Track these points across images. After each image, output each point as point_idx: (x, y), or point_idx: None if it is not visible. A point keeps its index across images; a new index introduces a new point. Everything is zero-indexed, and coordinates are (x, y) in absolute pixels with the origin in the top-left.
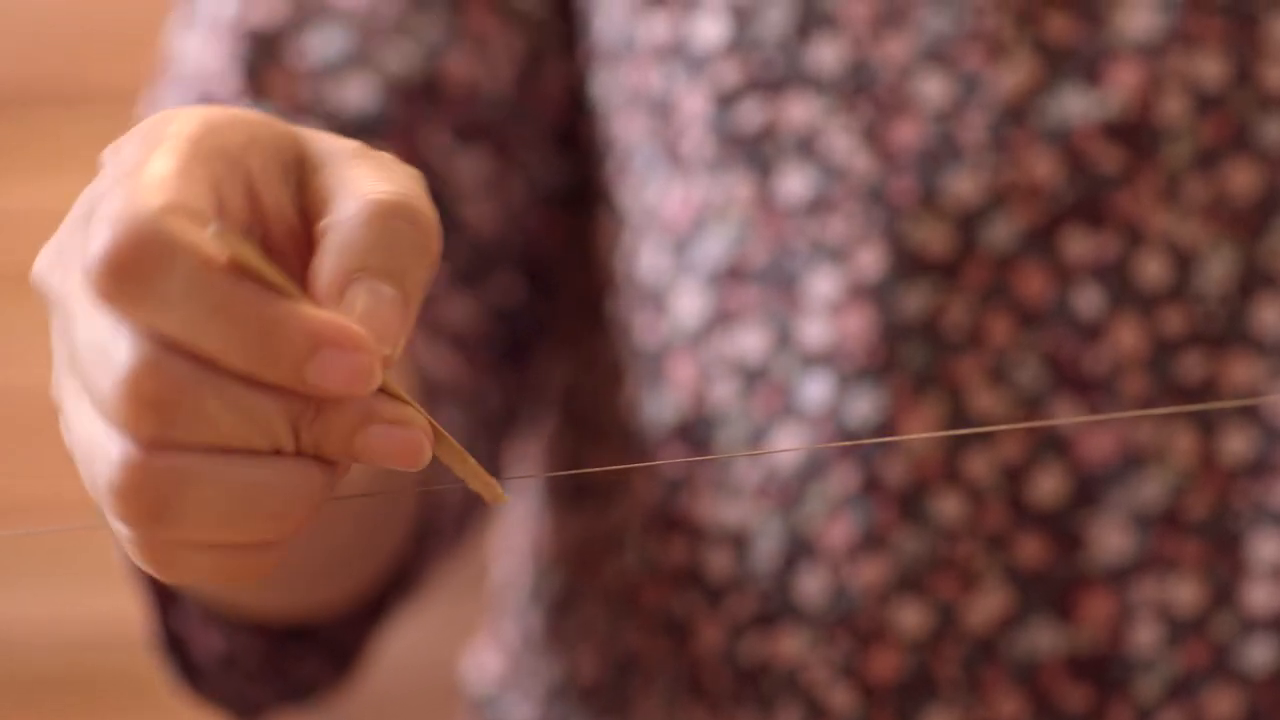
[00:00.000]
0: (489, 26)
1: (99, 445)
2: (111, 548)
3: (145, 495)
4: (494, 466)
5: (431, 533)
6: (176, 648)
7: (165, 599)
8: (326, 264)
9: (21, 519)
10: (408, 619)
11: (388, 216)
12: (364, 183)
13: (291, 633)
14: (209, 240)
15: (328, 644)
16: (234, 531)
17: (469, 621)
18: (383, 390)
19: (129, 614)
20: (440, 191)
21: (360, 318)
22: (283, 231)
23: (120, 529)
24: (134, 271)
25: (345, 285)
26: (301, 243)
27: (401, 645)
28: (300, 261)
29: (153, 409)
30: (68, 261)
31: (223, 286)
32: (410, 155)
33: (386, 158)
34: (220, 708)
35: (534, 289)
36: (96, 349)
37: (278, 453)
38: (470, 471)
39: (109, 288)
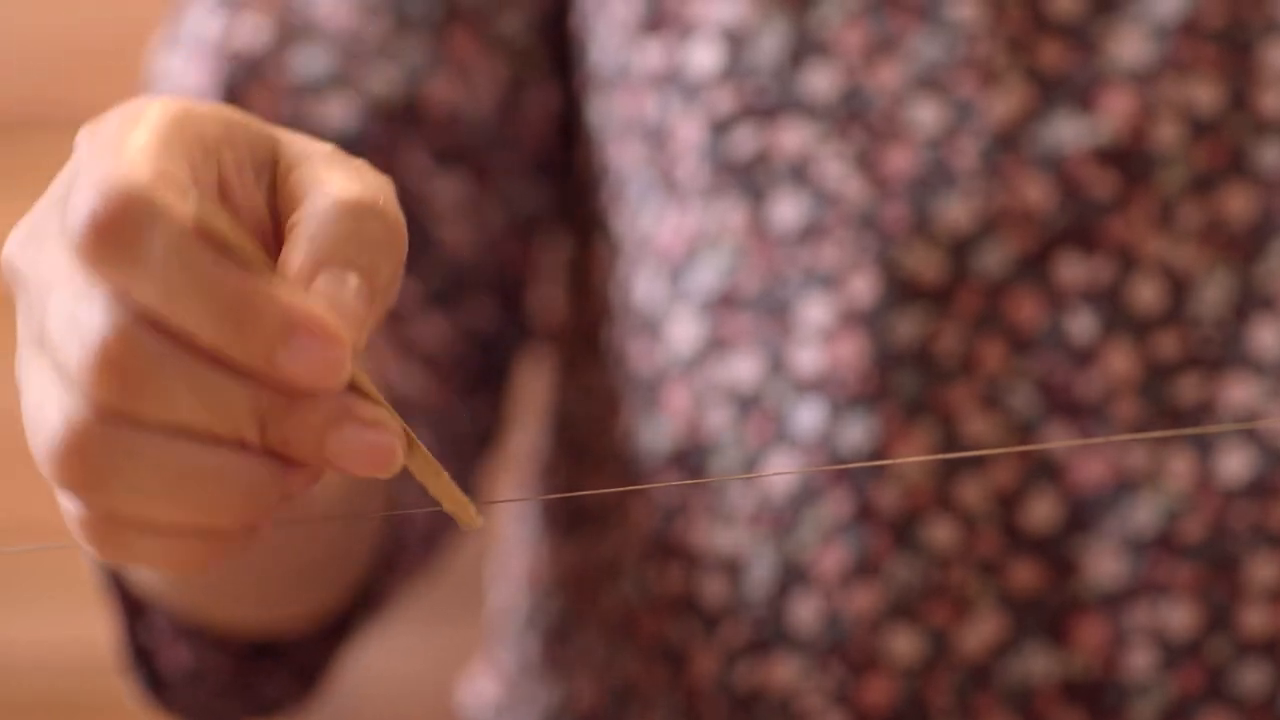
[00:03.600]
0: (472, 52)
1: (51, 407)
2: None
3: (86, 459)
4: (464, 490)
5: (399, 550)
6: (144, 661)
7: (134, 611)
8: (295, 254)
9: (20, 541)
10: (404, 646)
11: (357, 213)
12: (335, 182)
13: (258, 649)
14: (192, 211)
15: (294, 661)
16: (172, 513)
17: (466, 648)
18: (355, 390)
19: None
20: (417, 212)
21: (326, 307)
22: (252, 226)
23: (63, 502)
24: (118, 234)
25: (313, 275)
26: (270, 241)
27: (399, 671)
28: (269, 258)
29: (117, 377)
30: (41, 238)
31: (203, 258)
32: (389, 175)
33: (359, 163)
34: (182, 715)
35: (507, 314)
36: (69, 318)
37: (241, 445)
38: (444, 490)
39: (92, 249)
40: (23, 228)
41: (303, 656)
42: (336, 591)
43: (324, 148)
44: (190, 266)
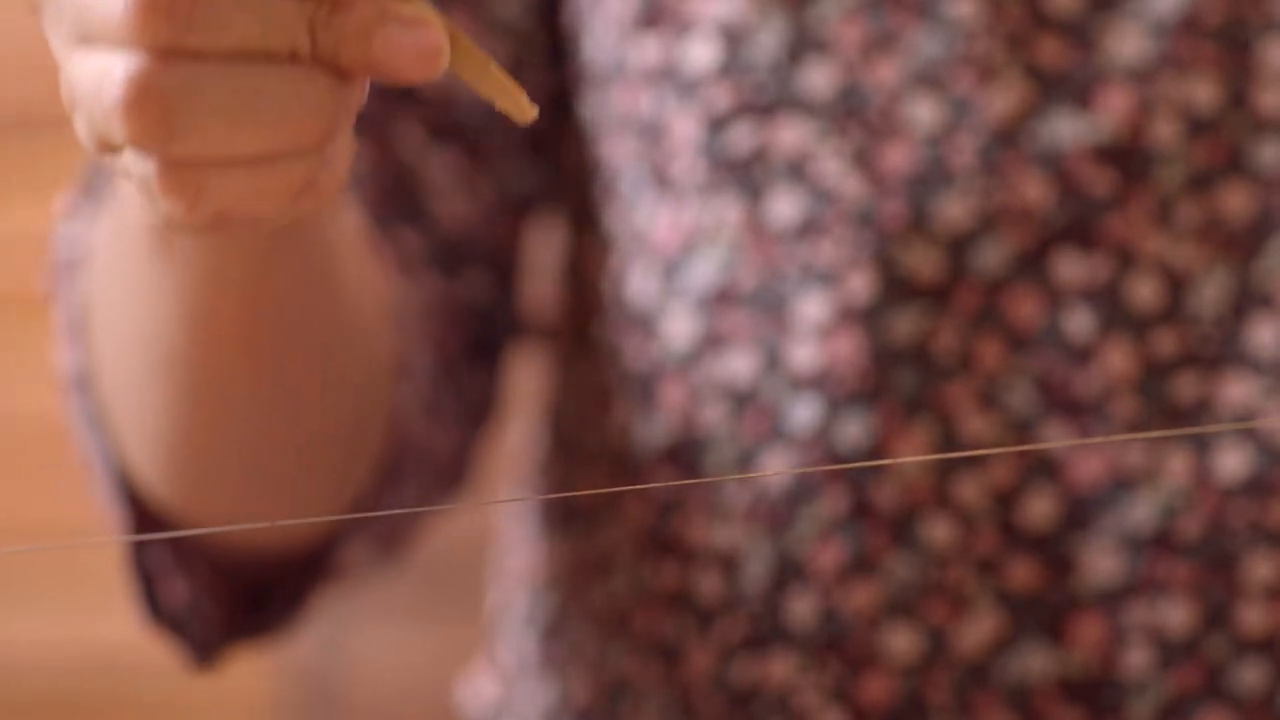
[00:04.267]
0: (469, 34)
1: (106, 73)
2: (110, 571)
3: (157, 104)
4: (467, 457)
5: (395, 471)
6: (146, 587)
7: (141, 542)
8: None
9: (24, 542)
10: (403, 644)
11: None
12: None
13: (251, 580)
14: None
15: (285, 589)
16: (252, 140)
17: (465, 646)
18: None
19: (128, 638)
20: (412, 185)
21: None
22: None
23: (137, 165)
24: None
25: None
26: None
27: (398, 670)
28: None
29: (165, 12)
30: None
31: None
32: (384, 150)
33: None
34: (178, 642)
35: (500, 289)
36: None
37: (296, 59)
38: (494, 84)
39: None
40: None
41: (294, 583)
42: (330, 503)
43: None
44: None
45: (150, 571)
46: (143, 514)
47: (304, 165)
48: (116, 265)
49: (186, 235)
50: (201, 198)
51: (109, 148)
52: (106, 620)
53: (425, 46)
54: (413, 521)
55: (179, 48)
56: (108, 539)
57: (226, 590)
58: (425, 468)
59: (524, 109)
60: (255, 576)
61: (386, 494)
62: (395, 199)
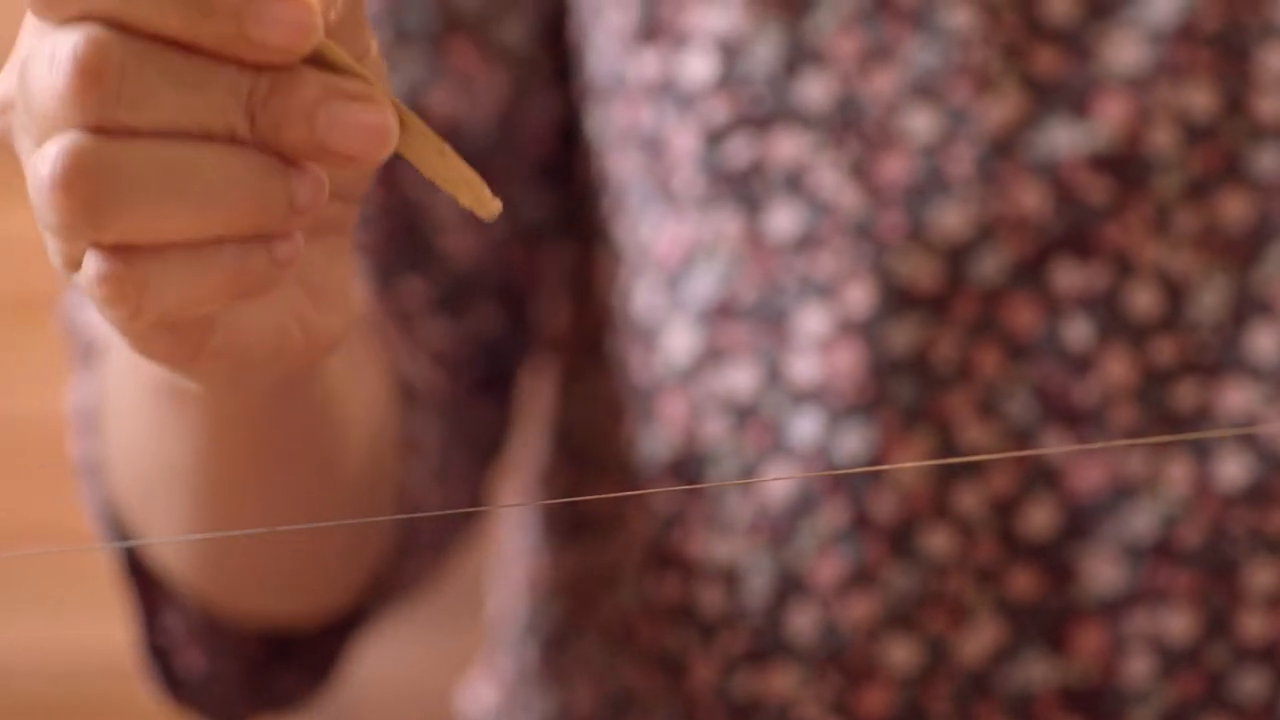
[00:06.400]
0: (473, 63)
1: (43, 158)
2: (105, 574)
3: (83, 181)
4: (478, 491)
5: (412, 540)
6: (161, 661)
7: (151, 610)
8: None
9: (20, 546)
10: (403, 651)
11: None
12: None
13: (269, 652)
14: None
15: (306, 658)
16: (183, 221)
17: (465, 653)
18: (337, 70)
19: (123, 642)
20: (420, 222)
21: None
22: None
23: (63, 247)
24: None
25: None
26: None
27: (398, 677)
28: None
29: (96, 85)
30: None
31: None
32: (390, 188)
33: None
34: (201, 716)
35: (512, 321)
36: (42, 58)
37: (235, 139)
38: (449, 171)
39: None
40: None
41: (315, 652)
42: (351, 580)
43: None
44: None
45: (164, 647)
46: (154, 592)
47: (243, 255)
48: (121, 414)
49: (169, 369)
50: (144, 297)
51: (73, 263)
52: (104, 624)
53: (371, 125)
54: (430, 578)
55: (109, 123)
56: (105, 544)
57: (244, 660)
58: (440, 530)
59: (485, 202)
60: (274, 648)
61: (405, 565)
62: (404, 239)
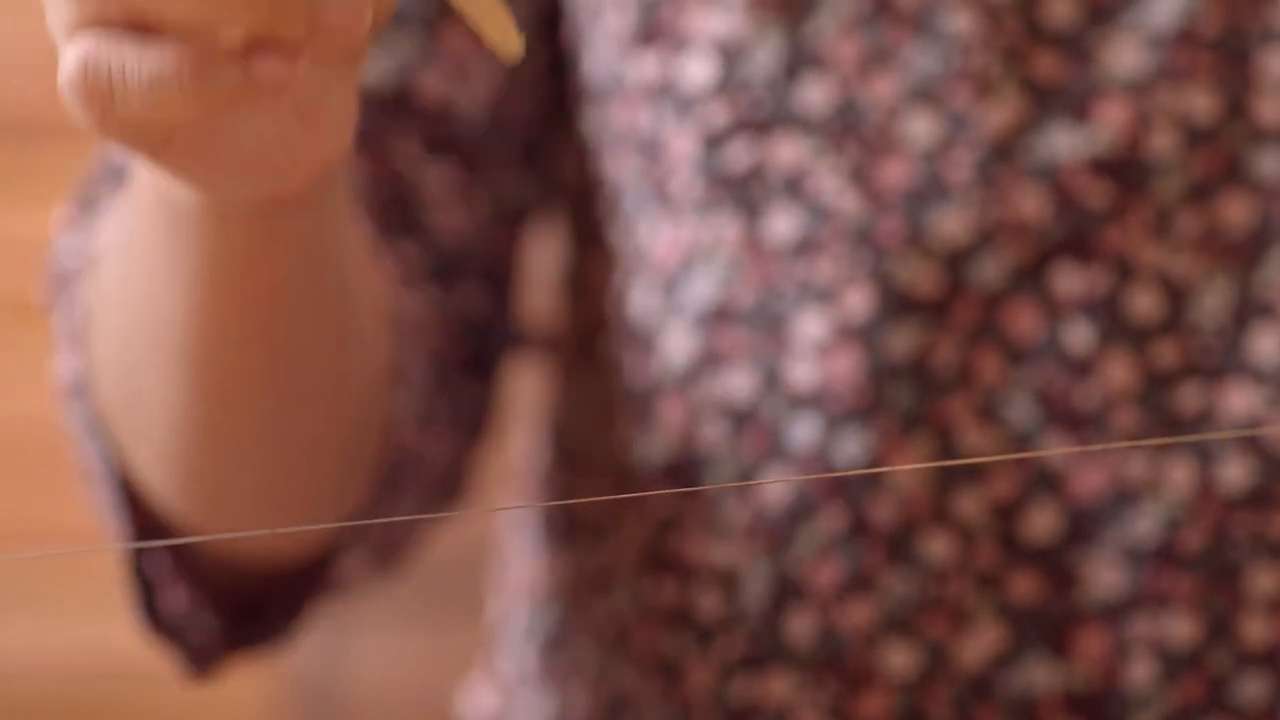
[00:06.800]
0: (466, 48)
1: None
2: (106, 578)
3: None
4: (462, 469)
5: (392, 480)
6: (146, 595)
7: (142, 549)
8: None
9: (20, 547)
10: (403, 654)
11: None
12: None
13: (250, 589)
14: None
15: (285, 597)
16: None
17: (464, 657)
18: None
19: (123, 644)
20: (410, 198)
21: None
22: None
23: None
24: None
25: None
26: None
27: (396, 680)
28: None
29: None
30: None
31: None
32: (381, 163)
33: None
34: (176, 651)
35: (497, 302)
36: None
37: None
38: (482, 7)
39: None
40: None
41: (293, 592)
42: (333, 508)
43: None
44: None
45: (150, 579)
46: (143, 521)
47: (218, 65)
48: (120, 266)
49: (168, 176)
50: (127, 94)
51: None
52: (105, 626)
53: None
54: (410, 533)
55: None
56: (106, 546)
57: (225, 600)
58: (421, 478)
59: (510, 42)
60: (253, 588)
61: (383, 504)
62: (393, 212)
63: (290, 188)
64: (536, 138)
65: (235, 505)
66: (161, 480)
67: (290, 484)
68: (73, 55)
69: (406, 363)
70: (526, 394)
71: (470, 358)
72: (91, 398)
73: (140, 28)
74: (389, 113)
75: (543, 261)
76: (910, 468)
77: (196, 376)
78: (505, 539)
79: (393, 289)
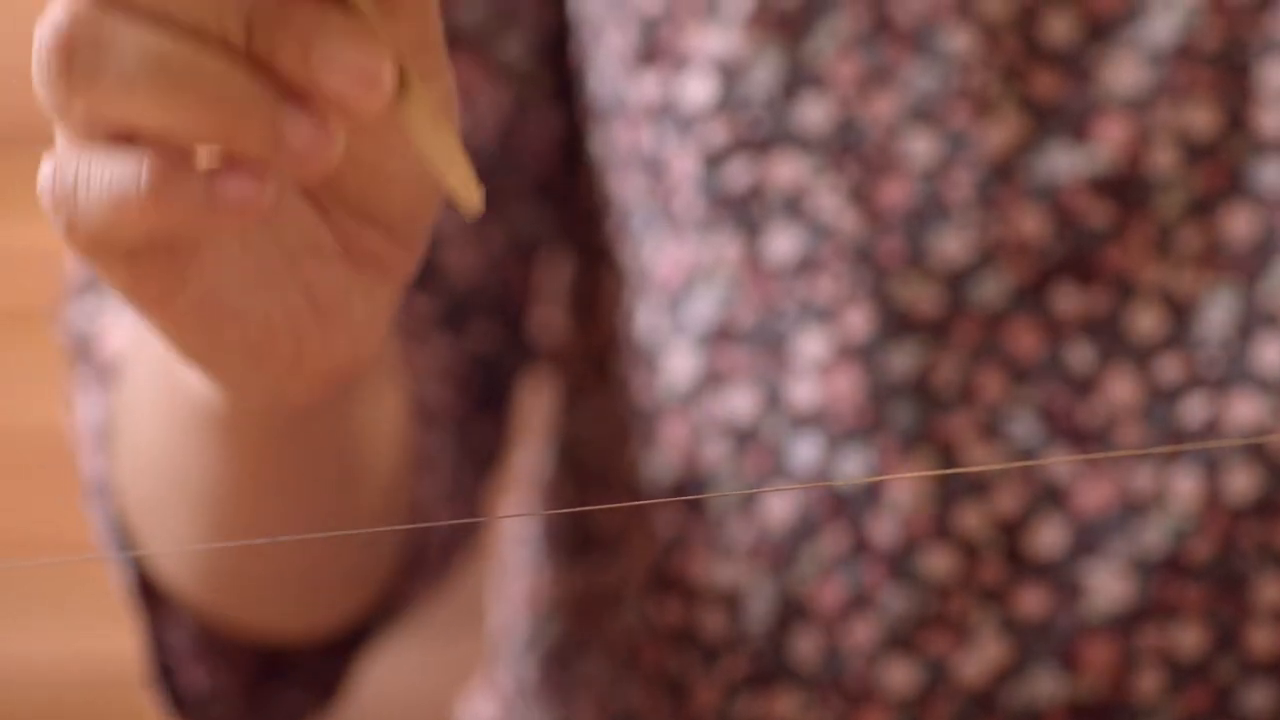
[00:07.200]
0: (474, 79)
1: (52, 12)
2: (109, 585)
3: (79, 38)
4: (478, 504)
5: (419, 559)
6: (166, 678)
7: (157, 629)
8: None
9: (24, 556)
10: (403, 663)
11: None
12: None
13: (271, 670)
14: None
15: (308, 676)
16: (152, 108)
17: (465, 667)
18: (350, 7)
19: (125, 653)
20: None
21: None
22: None
23: (50, 95)
24: None
25: None
26: None
27: (397, 690)
28: None
29: None
30: None
31: None
32: None
33: None
34: None
35: (510, 337)
36: None
37: (227, 46)
38: (442, 150)
39: None
40: None
41: (317, 671)
42: (357, 598)
43: None
44: None
45: (170, 661)
46: (164, 610)
47: (182, 176)
48: (135, 433)
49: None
50: (89, 203)
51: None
52: (108, 634)
53: (363, 69)
54: (432, 596)
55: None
56: (108, 555)
57: (247, 678)
58: (449, 549)
59: (471, 195)
60: (276, 666)
61: (415, 584)
62: None
63: (300, 388)
64: (549, 166)
65: (258, 598)
66: (184, 580)
67: (309, 581)
68: (45, 164)
69: (431, 450)
70: (533, 407)
71: (483, 397)
72: (114, 500)
73: (119, 139)
74: None
75: (554, 277)
76: (916, 476)
77: (215, 515)
78: (508, 550)
79: (414, 374)
